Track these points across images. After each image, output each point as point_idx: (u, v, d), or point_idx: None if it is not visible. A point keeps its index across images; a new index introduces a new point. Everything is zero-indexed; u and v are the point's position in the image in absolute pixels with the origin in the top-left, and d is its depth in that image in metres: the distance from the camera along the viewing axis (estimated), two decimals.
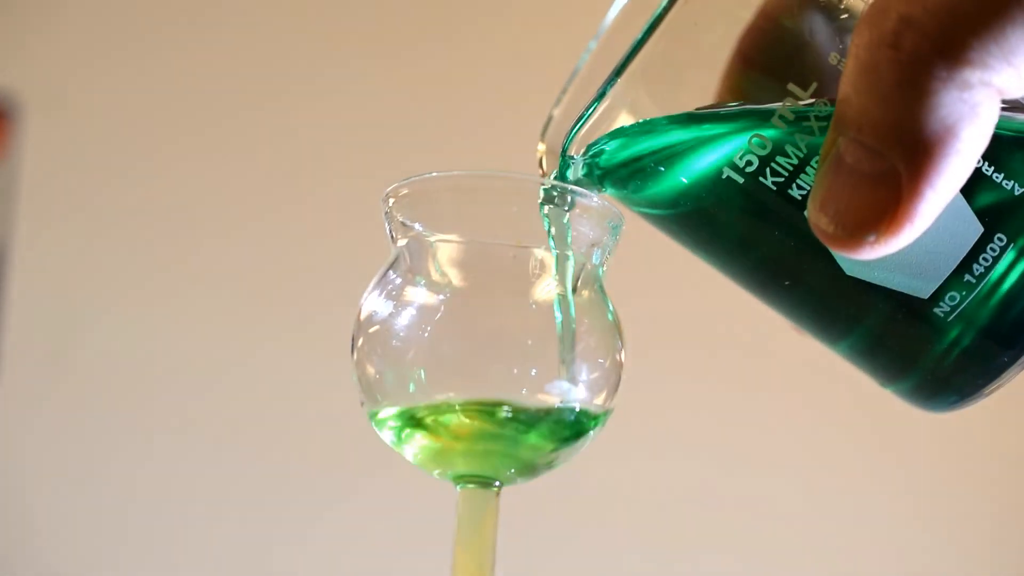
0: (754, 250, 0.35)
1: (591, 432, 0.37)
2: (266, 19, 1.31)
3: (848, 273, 0.32)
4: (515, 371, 0.35)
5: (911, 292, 0.32)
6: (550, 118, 0.37)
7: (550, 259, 0.36)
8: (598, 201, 0.37)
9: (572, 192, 0.36)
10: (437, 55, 1.29)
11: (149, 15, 1.30)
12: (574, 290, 0.37)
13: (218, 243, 1.25)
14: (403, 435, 0.37)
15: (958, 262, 0.31)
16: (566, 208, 0.36)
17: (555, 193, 0.36)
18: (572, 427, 0.36)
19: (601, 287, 0.38)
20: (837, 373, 1.24)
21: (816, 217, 0.29)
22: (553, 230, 0.36)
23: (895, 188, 0.28)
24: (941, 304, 0.32)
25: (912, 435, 1.25)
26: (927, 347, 0.33)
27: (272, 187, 1.27)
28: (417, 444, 0.37)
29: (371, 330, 0.37)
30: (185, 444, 1.20)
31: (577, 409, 0.36)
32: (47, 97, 1.28)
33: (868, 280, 0.32)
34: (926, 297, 0.32)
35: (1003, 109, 0.29)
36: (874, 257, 0.29)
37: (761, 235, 0.34)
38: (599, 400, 0.37)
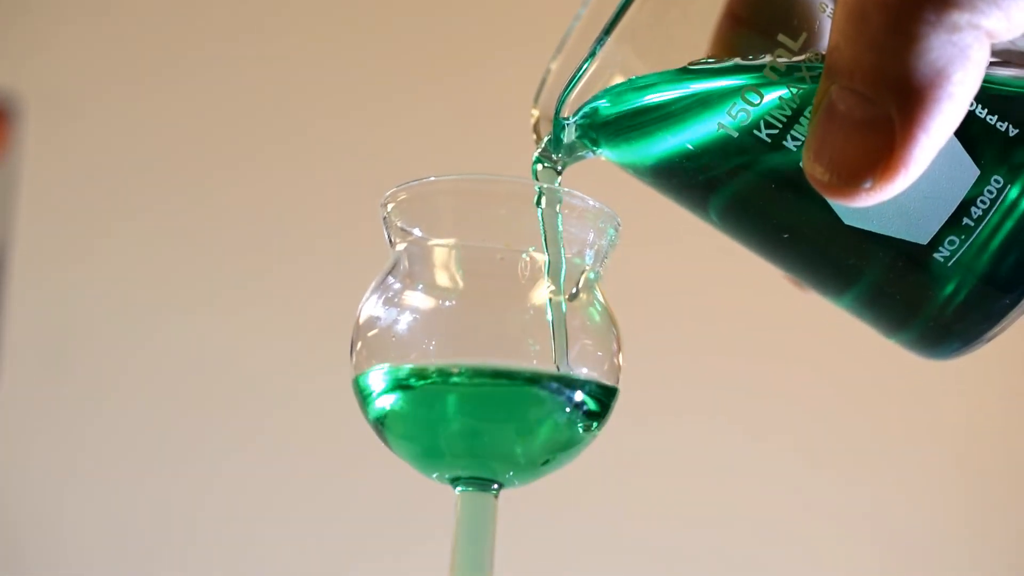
0: (751, 204, 0.34)
1: (588, 434, 0.37)
2: (267, 21, 1.31)
3: (846, 223, 0.32)
4: (514, 374, 0.35)
5: (910, 238, 0.32)
6: (543, 82, 0.37)
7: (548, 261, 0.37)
8: (594, 203, 0.37)
9: (569, 195, 0.36)
10: (435, 59, 1.29)
11: (149, 16, 1.30)
12: (574, 294, 0.37)
13: (218, 244, 1.25)
14: (402, 438, 0.37)
15: (955, 206, 0.31)
16: (562, 209, 0.36)
17: (551, 195, 0.36)
18: (569, 428, 0.37)
19: (598, 290, 0.38)
20: (838, 377, 1.24)
21: (811, 167, 0.29)
22: (547, 231, 0.36)
23: (889, 134, 0.28)
24: (940, 249, 0.32)
25: (912, 438, 1.25)
26: (928, 293, 0.33)
27: (273, 188, 1.27)
28: (416, 446, 0.37)
29: (370, 334, 0.37)
30: (186, 444, 1.20)
31: (573, 411, 0.36)
32: (47, 97, 1.28)
33: (866, 229, 0.32)
34: (925, 243, 0.32)
35: (993, 63, 0.29)
36: (871, 204, 0.29)
37: (758, 188, 0.33)
38: (595, 402, 0.37)
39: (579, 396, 0.36)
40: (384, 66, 1.30)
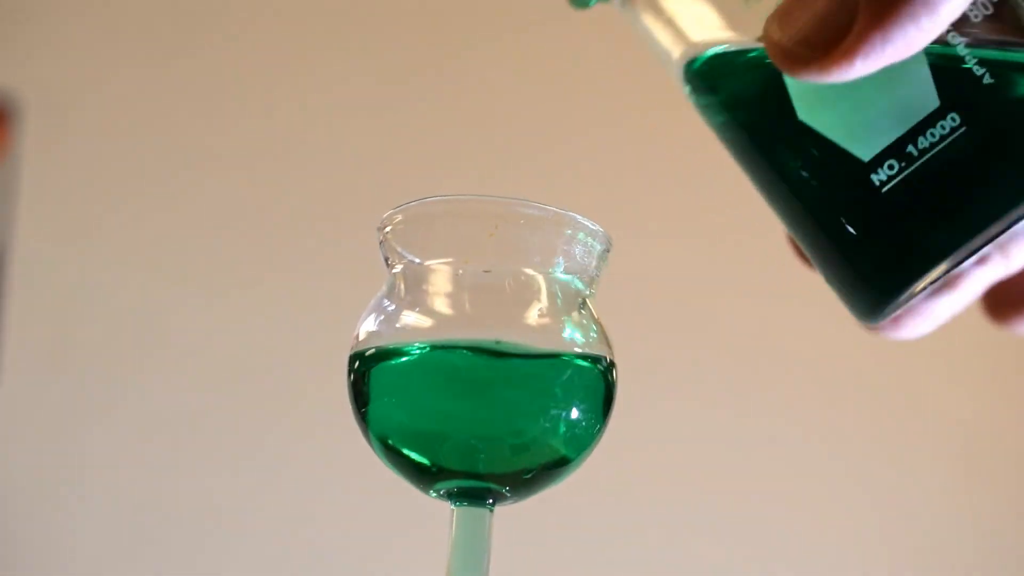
0: (734, 106, 0.35)
1: (579, 455, 0.38)
2: (268, 21, 1.31)
3: (800, 118, 0.32)
4: (510, 395, 0.36)
5: (853, 150, 0.31)
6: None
7: (544, 282, 0.37)
8: (586, 223, 0.37)
9: (563, 216, 0.37)
10: (433, 83, 1.30)
11: (149, 15, 1.31)
12: (569, 311, 0.37)
13: (218, 244, 1.25)
14: (399, 453, 0.37)
15: (905, 129, 0.31)
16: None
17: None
18: (564, 440, 0.37)
19: (590, 306, 0.39)
20: (838, 377, 1.24)
21: (773, 31, 0.30)
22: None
23: (849, 21, 0.28)
24: (879, 171, 0.31)
25: (914, 433, 1.25)
26: (860, 220, 0.32)
27: (272, 187, 1.27)
28: (413, 459, 0.38)
29: (368, 352, 0.37)
30: (185, 444, 1.21)
31: (567, 425, 0.37)
32: (47, 97, 1.28)
33: (817, 129, 0.32)
34: (866, 160, 0.31)
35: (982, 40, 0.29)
36: (813, 80, 0.29)
37: (744, 89, 0.34)
38: (586, 424, 0.37)
39: (575, 413, 0.37)
40: (390, 68, 1.30)
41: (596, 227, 0.38)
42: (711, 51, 0.34)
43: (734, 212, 1.33)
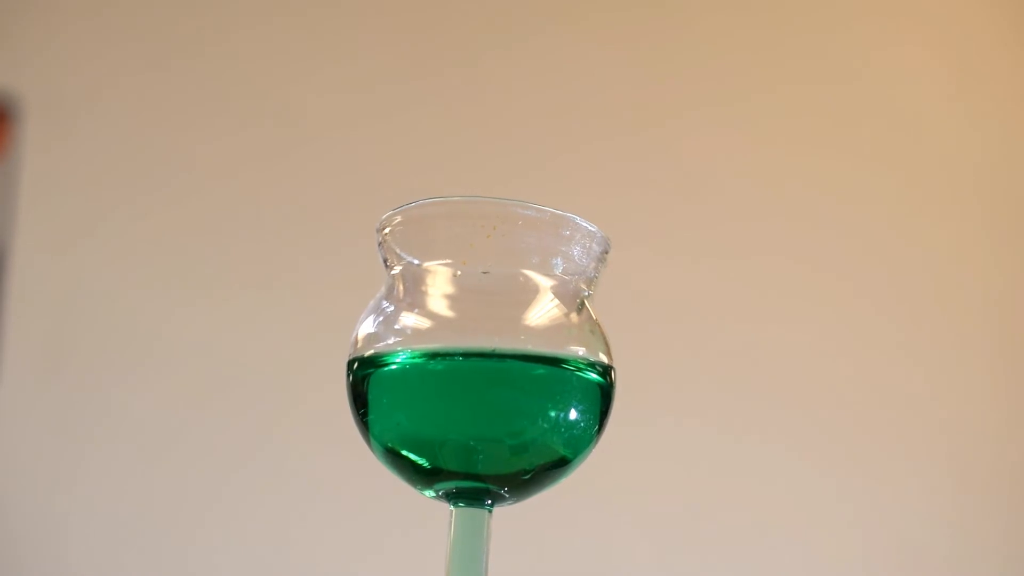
0: None
1: (577, 456, 0.38)
2: (268, 22, 1.31)
3: None
4: (508, 396, 0.36)
5: None
6: None
7: (542, 283, 0.37)
8: (585, 224, 0.37)
9: (562, 219, 0.37)
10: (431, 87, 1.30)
11: (150, 17, 1.31)
12: (567, 312, 0.37)
13: (218, 245, 1.26)
14: (398, 454, 0.38)
15: None
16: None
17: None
18: (559, 444, 0.37)
19: (589, 307, 0.39)
20: (831, 379, 1.24)
21: None
22: None
23: None
24: None
25: (910, 441, 1.26)
26: None
27: (272, 186, 1.27)
28: (412, 461, 0.38)
29: (367, 354, 0.37)
30: (185, 445, 1.21)
31: (565, 428, 0.37)
32: (47, 97, 1.28)
33: None
34: None
35: None
36: None
37: None
38: (584, 425, 0.37)
39: (573, 414, 0.37)
40: (389, 70, 1.30)
41: (595, 229, 0.37)
42: None
43: (735, 214, 1.33)
